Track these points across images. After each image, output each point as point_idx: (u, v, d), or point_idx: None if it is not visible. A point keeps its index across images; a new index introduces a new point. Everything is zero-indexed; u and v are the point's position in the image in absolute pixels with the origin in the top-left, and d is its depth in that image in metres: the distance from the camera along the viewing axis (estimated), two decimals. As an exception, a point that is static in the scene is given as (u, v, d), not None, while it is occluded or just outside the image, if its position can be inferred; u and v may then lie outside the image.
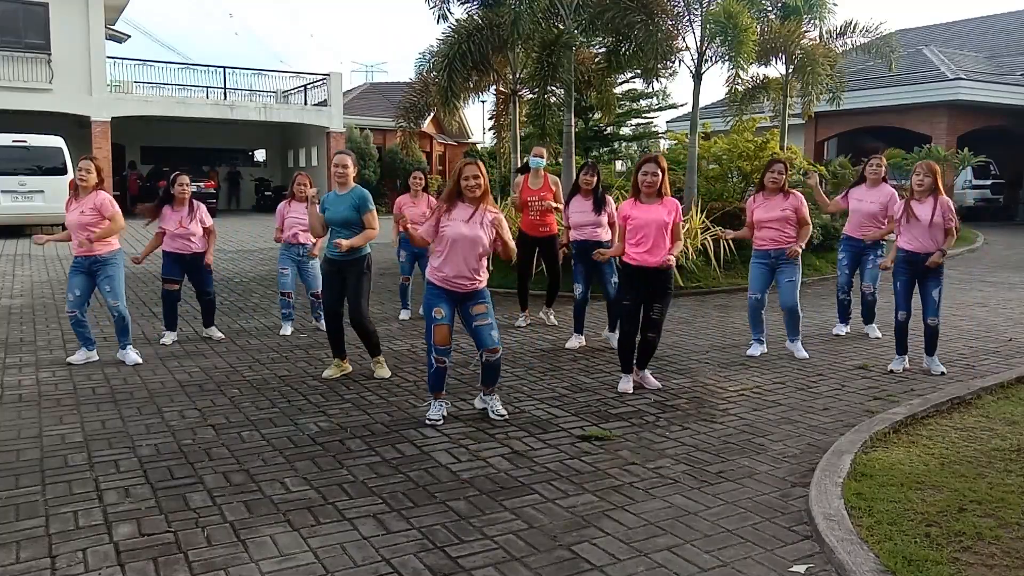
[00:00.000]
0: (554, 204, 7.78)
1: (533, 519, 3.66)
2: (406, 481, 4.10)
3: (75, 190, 6.40)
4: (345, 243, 5.75)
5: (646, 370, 5.94)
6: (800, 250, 6.69)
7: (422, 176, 8.67)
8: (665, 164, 5.74)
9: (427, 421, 5.04)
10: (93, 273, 6.45)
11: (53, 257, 14.08)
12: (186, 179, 7.36)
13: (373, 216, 5.92)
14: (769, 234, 6.75)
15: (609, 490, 3.99)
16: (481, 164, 5.05)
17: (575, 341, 7.38)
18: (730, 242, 10.88)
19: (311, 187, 6.59)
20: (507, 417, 5.16)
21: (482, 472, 4.23)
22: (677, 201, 5.79)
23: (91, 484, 4.04)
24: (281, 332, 7.88)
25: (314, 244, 7.79)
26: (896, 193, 7.41)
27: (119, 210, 6.47)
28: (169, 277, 7.39)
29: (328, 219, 5.95)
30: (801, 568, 3.22)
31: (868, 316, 7.79)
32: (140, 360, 6.60)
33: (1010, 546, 3.32)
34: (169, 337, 7.44)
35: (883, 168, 7.53)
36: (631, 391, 5.79)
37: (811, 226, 6.89)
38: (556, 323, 8.23)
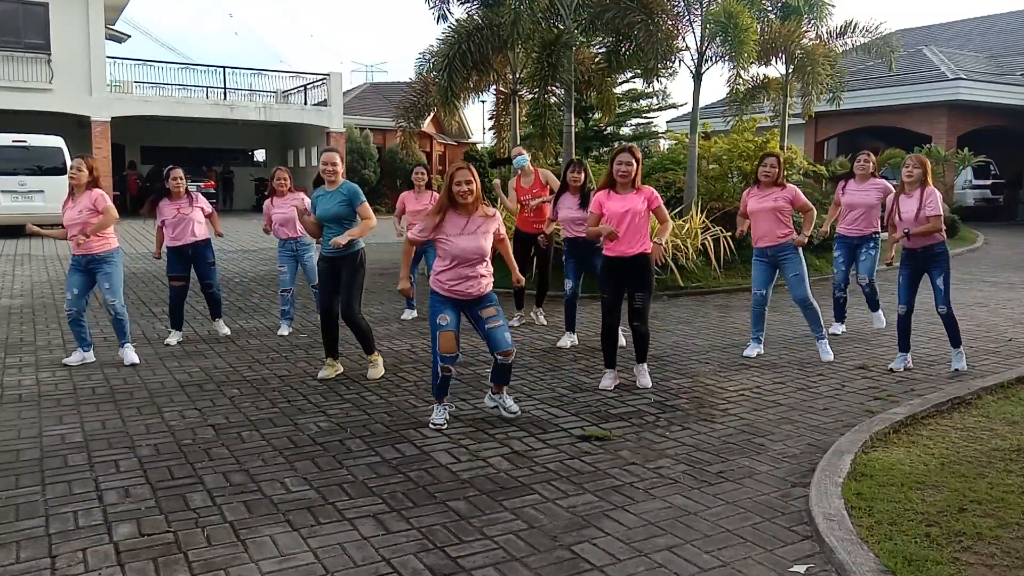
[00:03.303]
0: (546, 198, 7.82)
1: (533, 519, 3.66)
2: (406, 481, 4.11)
3: (71, 190, 6.43)
4: (343, 239, 5.71)
5: (644, 365, 5.90)
6: (804, 240, 6.58)
7: (424, 172, 8.62)
8: (640, 155, 5.75)
9: (431, 425, 5.00)
10: (91, 272, 6.45)
11: (53, 257, 14.08)
12: (179, 172, 7.36)
13: (367, 207, 5.90)
14: (762, 228, 6.65)
15: (609, 490, 3.99)
16: (472, 169, 4.91)
17: (567, 340, 7.37)
18: (730, 242, 10.88)
19: (302, 203, 6.60)
20: (520, 414, 5.15)
21: (482, 472, 4.23)
22: (653, 188, 5.80)
23: (91, 484, 4.04)
24: (279, 332, 7.87)
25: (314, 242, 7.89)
26: (888, 183, 7.50)
27: (112, 204, 6.46)
28: (174, 274, 7.40)
29: (320, 216, 5.92)
30: (801, 568, 3.22)
31: (872, 305, 7.86)
32: (137, 360, 6.59)
33: (1010, 546, 3.32)
34: (175, 337, 7.43)
35: (871, 163, 7.60)
36: (612, 388, 5.80)
37: (815, 211, 6.69)
38: (546, 323, 8.24)
